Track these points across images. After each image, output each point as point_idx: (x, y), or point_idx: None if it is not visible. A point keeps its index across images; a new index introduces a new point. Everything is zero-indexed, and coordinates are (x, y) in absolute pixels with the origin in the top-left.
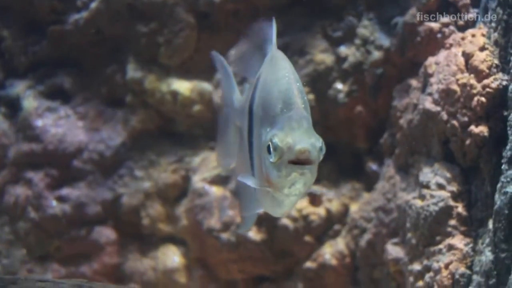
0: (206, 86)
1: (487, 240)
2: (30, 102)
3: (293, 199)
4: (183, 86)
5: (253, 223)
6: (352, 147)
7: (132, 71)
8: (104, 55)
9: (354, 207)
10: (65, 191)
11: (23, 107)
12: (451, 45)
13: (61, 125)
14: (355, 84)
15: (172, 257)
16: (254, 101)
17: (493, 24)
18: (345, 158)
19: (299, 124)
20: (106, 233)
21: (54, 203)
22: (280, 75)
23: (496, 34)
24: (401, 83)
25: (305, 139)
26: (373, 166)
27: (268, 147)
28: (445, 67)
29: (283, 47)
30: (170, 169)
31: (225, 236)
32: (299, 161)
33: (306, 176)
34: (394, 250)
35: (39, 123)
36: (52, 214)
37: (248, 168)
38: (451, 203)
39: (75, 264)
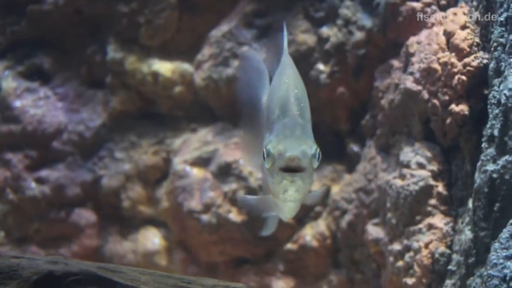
0: (187, 67)
1: (467, 219)
2: (8, 83)
3: (290, 205)
4: (164, 67)
5: (275, 227)
6: (333, 128)
7: (113, 52)
8: (84, 35)
9: (335, 189)
10: (44, 173)
11: (2, 88)
12: (432, 24)
13: (40, 106)
14: (337, 65)
15: (152, 239)
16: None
17: (475, 3)
18: (327, 140)
19: (292, 131)
20: (85, 215)
21: (33, 184)
22: (282, 81)
23: (477, 13)
24: (383, 64)
25: (295, 147)
26: (354, 147)
27: (263, 153)
28: (426, 46)
29: (265, 27)
30: (151, 151)
31: (205, 217)
32: (290, 169)
33: (297, 184)
34: (374, 231)
35: (17, 103)
36: (31, 196)
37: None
38: (431, 182)
39: (55, 247)
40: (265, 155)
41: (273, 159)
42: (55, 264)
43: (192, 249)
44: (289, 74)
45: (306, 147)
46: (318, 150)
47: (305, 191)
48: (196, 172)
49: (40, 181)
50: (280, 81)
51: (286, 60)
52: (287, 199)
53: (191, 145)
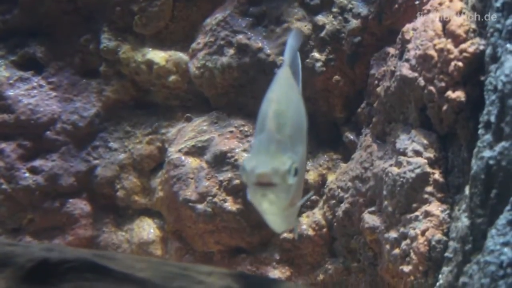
0: (182, 56)
1: (464, 206)
2: (1, 72)
3: (272, 218)
4: (158, 56)
5: (299, 228)
6: (329, 117)
7: (106, 40)
8: (78, 24)
9: (331, 178)
10: (38, 163)
11: None
12: (428, 11)
13: (34, 95)
14: (332, 53)
15: (147, 229)
16: None
17: None
18: (323, 129)
19: (267, 147)
20: (80, 205)
21: (27, 174)
22: (267, 96)
23: None
24: (379, 51)
25: (266, 163)
26: (350, 136)
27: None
28: (422, 32)
29: (260, 15)
30: (146, 140)
31: (201, 206)
32: (261, 184)
33: (269, 198)
34: (370, 219)
35: (10, 93)
36: (25, 186)
37: None
38: (428, 169)
39: (49, 237)
40: (241, 171)
41: (246, 174)
42: (50, 251)
43: (187, 239)
44: (276, 88)
45: (278, 163)
46: (294, 165)
47: (283, 205)
48: (191, 161)
49: (33, 171)
50: (267, 95)
51: (280, 73)
52: (265, 212)
53: (186, 134)
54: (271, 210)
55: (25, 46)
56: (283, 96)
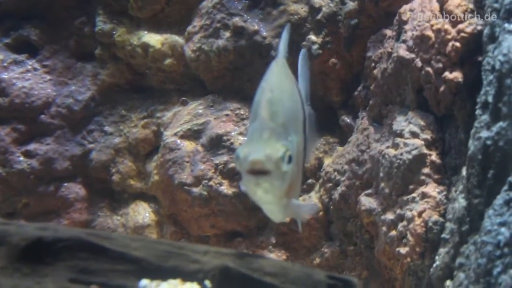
0: (177, 39)
1: (460, 187)
2: None
3: (268, 207)
4: (154, 39)
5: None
6: (326, 100)
7: (101, 23)
8: (73, 6)
9: (328, 161)
10: (32, 146)
11: None
12: None
13: (28, 78)
14: (329, 36)
15: (143, 213)
16: None
17: None
18: (319, 112)
19: (260, 135)
20: (75, 190)
21: (21, 158)
22: (261, 85)
23: None
24: (376, 34)
25: (259, 150)
26: (347, 119)
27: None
28: (419, 13)
29: None
30: (141, 124)
31: (196, 190)
32: (254, 172)
33: (263, 186)
34: (367, 201)
35: (5, 76)
36: (19, 170)
37: None
38: (425, 151)
39: (44, 221)
40: (235, 159)
41: (239, 162)
42: (45, 231)
43: (183, 223)
44: (270, 78)
45: (272, 151)
46: (288, 152)
47: (278, 194)
48: (186, 145)
49: (28, 154)
50: (260, 85)
51: (273, 65)
52: (260, 201)
53: (181, 118)
54: (266, 198)
55: (20, 28)
56: (277, 85)
